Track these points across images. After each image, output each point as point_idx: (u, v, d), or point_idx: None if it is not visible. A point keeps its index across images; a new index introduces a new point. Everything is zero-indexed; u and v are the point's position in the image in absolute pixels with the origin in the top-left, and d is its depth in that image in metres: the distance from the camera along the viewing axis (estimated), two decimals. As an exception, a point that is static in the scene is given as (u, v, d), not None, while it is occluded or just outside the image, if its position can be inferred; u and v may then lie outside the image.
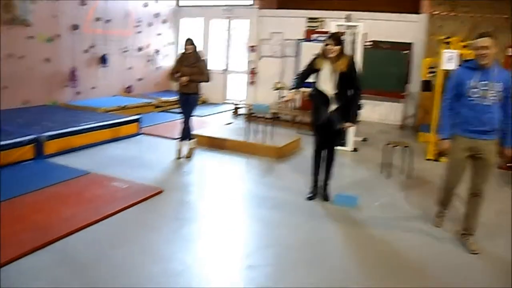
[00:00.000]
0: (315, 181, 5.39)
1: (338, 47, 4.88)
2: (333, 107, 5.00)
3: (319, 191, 5.40)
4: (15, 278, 3.38)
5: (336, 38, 4.94)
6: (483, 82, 3.98)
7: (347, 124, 5.09)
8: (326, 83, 4.96)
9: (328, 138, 5.20)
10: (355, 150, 7.99)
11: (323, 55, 4.98)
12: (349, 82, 4.93)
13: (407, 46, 10.68)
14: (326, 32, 8.59)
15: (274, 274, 3.68)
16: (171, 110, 11.13)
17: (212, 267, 3.75)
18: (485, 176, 4.20)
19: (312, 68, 5.06)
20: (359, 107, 5.12)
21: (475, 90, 4.01)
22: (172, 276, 3.55)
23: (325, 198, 5.35)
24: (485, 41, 3.91)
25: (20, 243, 3.88)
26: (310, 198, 5.36)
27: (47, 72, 9.62)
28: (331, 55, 4.87)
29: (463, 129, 4.14)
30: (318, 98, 5.08)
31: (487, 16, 9.64)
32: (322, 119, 5.05)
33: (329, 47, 4.88)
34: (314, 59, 5.06)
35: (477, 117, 4.04)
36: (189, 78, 6.60)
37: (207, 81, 6.84)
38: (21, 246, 3.83)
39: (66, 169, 6.09)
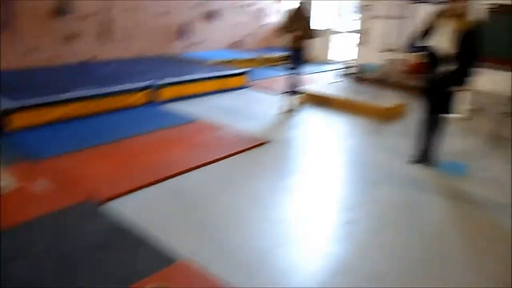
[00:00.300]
0: (421, 145, 5.21)
1: (463, 5, 4.57)
2: (447, 69, 4.74)
3: (424, 156, 5.22)
4: (127, 209, 3.71)
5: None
6: None
7: (459, 88, 4.81)
8: (444, 43, 4.70)
9: (438, 102, 4.96)
10: (465, 118, 7.57)
11: (444, 14, 4.70)
12: (468, 43, 4.62)
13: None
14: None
15: (371, 231, 3.69)
16: (276, 66, 11.19)
17: (310, 219, 3.84)
18: None
19: (432, 27, 4.79)
20: (473, 72, 4.79)
21: None
22: (273, 223, 3.70)
23: (430, 163, 5.17)
24: None
25: (132, 179, 4.25)
26: (414, 162, 5.21)
27: (160, 25, 10.07)
28: (455, 13, 4.58)
29: None
30: (432, 60, 4.84)
31: None
32: (435, 80, 4.83)
33: (454, 4, 4.58)
34: (434, 17, 4.80)
35: None
36: (297, 34, 6.63)
37: (313, 37, 6.90)
38: (133, 181, 4.20)
39: (176, 115, 6.46)
